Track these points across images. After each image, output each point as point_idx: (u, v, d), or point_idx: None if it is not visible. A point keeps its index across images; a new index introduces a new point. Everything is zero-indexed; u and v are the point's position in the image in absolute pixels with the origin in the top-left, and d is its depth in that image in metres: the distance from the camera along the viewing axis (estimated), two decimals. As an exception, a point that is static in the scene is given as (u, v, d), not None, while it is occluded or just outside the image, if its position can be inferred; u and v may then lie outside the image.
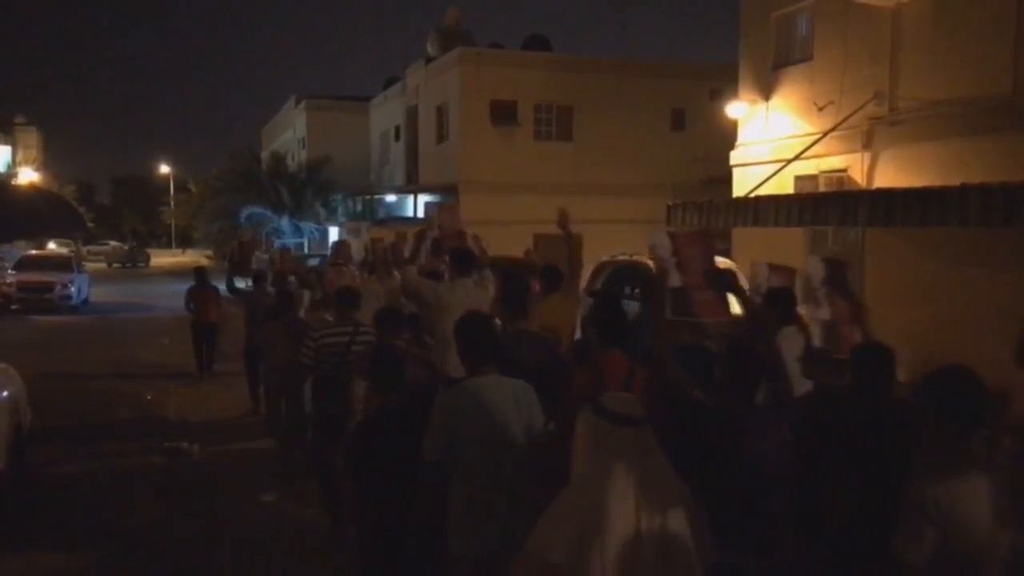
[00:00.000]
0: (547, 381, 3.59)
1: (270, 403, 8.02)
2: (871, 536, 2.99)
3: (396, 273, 7.60)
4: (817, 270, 4.92)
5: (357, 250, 11.22)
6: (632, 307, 10.64)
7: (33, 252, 27.12)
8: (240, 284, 10.85)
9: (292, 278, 9.47)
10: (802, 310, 4.77)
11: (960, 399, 2.54)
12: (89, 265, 41.08)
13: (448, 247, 7.10)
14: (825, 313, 4.77)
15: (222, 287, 11.44)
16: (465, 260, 6.23)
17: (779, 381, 3.76)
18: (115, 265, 49.23)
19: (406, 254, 7.13)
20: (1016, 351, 3.36)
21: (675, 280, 4.79)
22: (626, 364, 3.55)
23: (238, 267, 11.07)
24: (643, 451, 2.65)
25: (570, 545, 2.57)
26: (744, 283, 5.86)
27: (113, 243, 59.43)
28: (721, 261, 5.64)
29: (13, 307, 21.73)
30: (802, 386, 4.30)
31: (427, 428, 3.36)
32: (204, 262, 20.44)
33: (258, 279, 10.45)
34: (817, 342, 4.64)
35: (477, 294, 5.92)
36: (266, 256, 18.19)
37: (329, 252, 14.54)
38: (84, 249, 45.59)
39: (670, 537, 2.60)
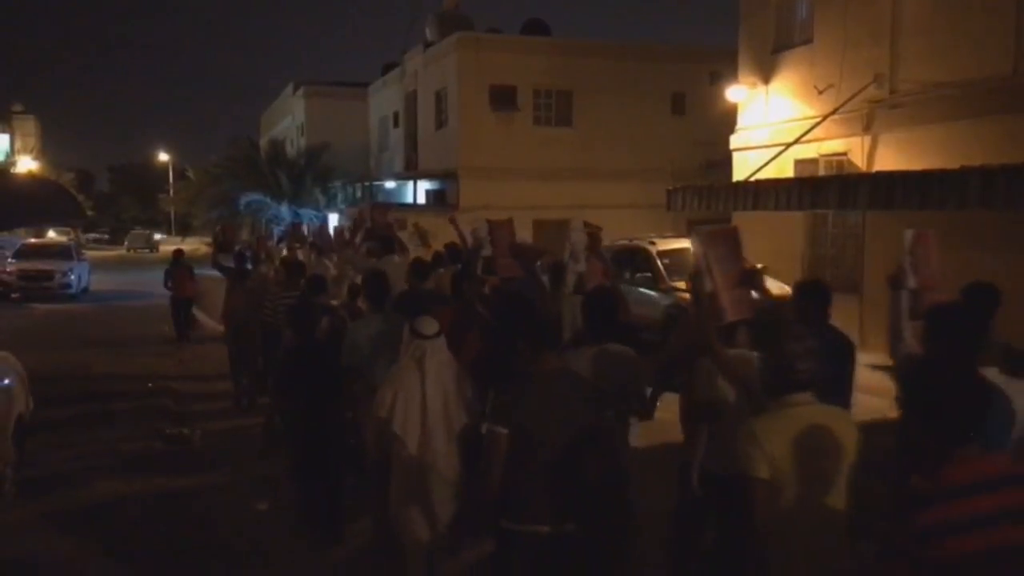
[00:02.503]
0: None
1: (230, 354, 10.03)
2: None
3: (335, 254, 9.77)
4: (581, 238, 6.82)
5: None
6: (631, 291, 10.98)
7: (33, 240, 27.10)
8: (229, 264, 11.32)
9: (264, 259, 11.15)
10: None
11: None
12: (105, 253, 41.45)
13: (377, 235, 9.44)
14: (582, 267, 6.78)
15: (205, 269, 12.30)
16: (388, 244, 9.02)
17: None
18: (132, 250, 53.11)
19: (346, 236, 9.26)
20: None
21: (487, 251, 7.09)
22: (451, 314, 5.27)
23: (223, 248, 11.57)
24: (434, 352, 4.25)
25: (389, 404, 4.19)
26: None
27: (130, 231, 62.22)
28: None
29: (13, 295, 21.74)
30: None
31: (343, 347, 5.41)
32: (203, 249, 20.80)
33: (238, 258, 11.18)
34: (570, 288, 6.63)
35: (399, 266, 7.87)
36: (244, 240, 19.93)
37: (282, 236, 17.17)
38: (84, 237, 45.63)
39: (440, 398, 4.20)
